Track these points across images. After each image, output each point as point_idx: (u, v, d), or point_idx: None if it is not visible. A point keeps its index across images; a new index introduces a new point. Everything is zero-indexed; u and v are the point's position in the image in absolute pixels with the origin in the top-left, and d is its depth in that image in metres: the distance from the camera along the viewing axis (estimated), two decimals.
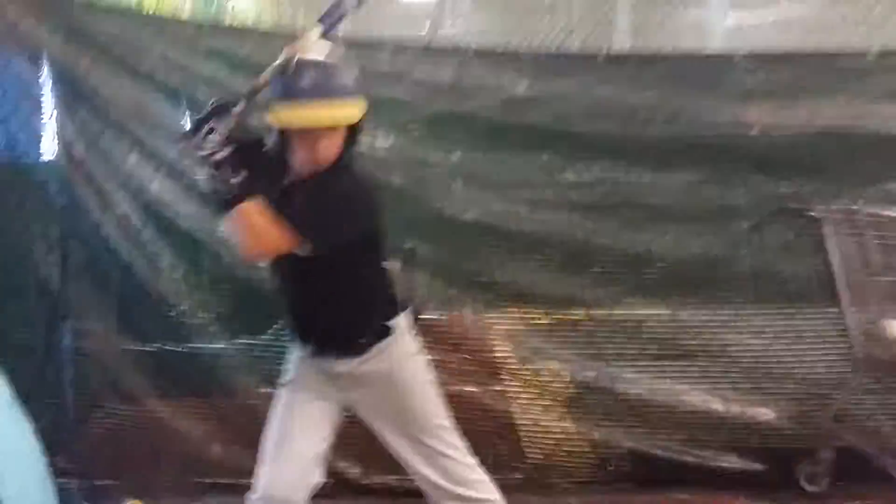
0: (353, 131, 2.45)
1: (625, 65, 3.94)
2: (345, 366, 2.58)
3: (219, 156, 2.26)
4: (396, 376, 2.58)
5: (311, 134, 2.37)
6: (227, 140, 2.27)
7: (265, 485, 2.60)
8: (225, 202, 2.29)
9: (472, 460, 2.65)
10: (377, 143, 3.82)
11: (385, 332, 2.57)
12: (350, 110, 2.40)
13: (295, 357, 2.70)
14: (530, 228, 3.76)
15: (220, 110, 2.31)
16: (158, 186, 3.78)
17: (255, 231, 2.29)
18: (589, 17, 6.84)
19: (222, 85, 3.72)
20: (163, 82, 3.78)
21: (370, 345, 2.56)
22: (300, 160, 2.43)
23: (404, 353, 2.61)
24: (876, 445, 3.52)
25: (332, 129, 2.38)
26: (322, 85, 2.36)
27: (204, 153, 2.26)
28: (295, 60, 2.37)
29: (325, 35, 2.52)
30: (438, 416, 2.64)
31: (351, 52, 3.72)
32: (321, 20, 2.52)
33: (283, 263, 2.51)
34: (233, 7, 5.63)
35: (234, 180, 2.26)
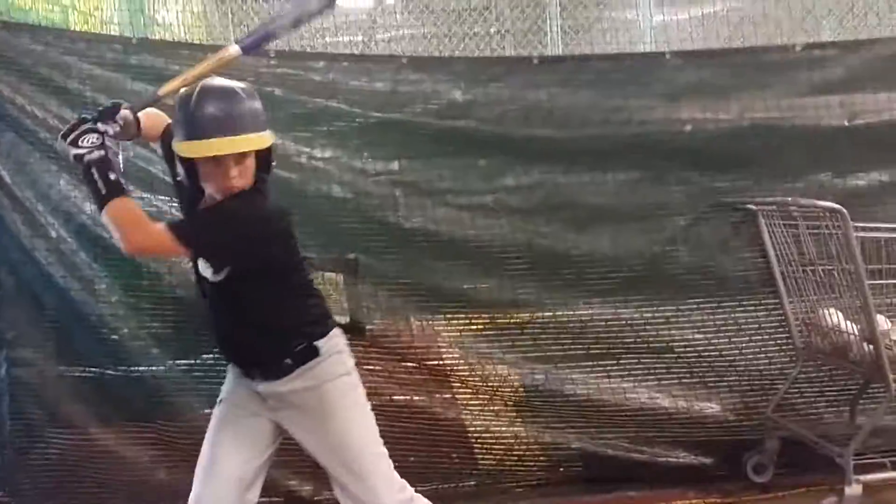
0: (263, 157, 2.45)
1: (558, 67, 3.98)
2: (269, 386, 2.57)
3: (93, 156, 2.33)
4: (321, 397, 2.58)
5: (221, 163, 2.37)
6: (103, 144, 2.34)
7: None
8: (98, 200, 2.36)
9: (397, 486, 2.63)
10: (315, 153, 3.80)
11: (312, 352, 2.56)
12: (260, 140, 2.40)
13: (229, 375, 2.69)
14: (472, 234, 3.77)
15: (106, 114, 2.39)
16: (91, 208, 3.68)
17: (127, 226, 2.36)
18: (520, 22, 6.91)
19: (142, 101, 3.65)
20: (92, 101, 3.69)
21: (295, 366, 2.55)
22: (211, 187, 2.44)
23: (330, 373, 2.59)
24: (818, 433, 3.59)
25: (241, 156, 2.38)
26: (227, 118, 2.35)
27: (78, 152, 2.34)
28: (198, 90, 2.37)
29: (244, 54, 2.52)
30: (368, 441, 2.62)
31: (285, 63, 3.77)
32: (244, 41, 2.52)
33: (204, 285, 2.54)
34: (161, 19, 5.53)
35: (108, 179, 2.34)
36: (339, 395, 2.61)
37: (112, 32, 4.66)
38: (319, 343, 2.59)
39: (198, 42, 4.65)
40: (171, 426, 3.72)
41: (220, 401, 2.69)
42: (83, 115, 2.42)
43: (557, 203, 3.77)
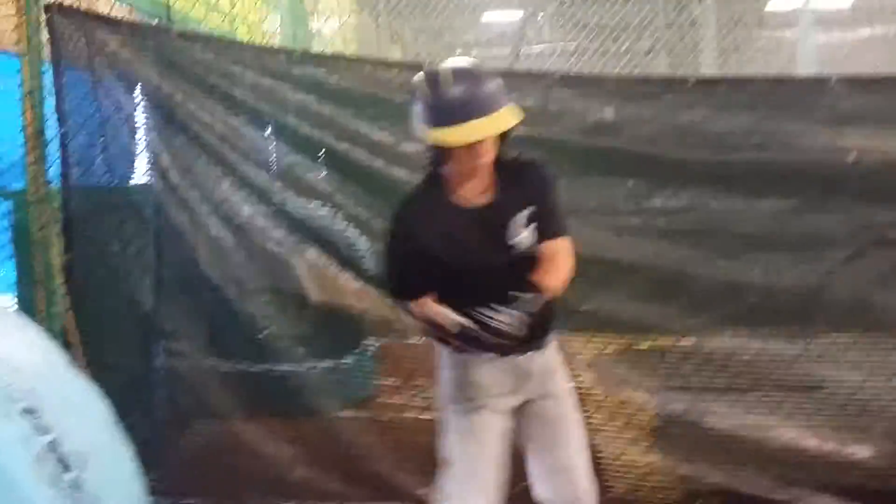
0: (504, 134, 2.53)
1: (714, 89, 3.86)
2: (535, 359, 2.65)
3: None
4: (562, 367, 2.76)
5: (473, 145, 2.43)
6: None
7: None
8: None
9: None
10: None
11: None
12: (511, 116, 2.47)
13: (471, 380, 2.64)
14: (617, 255, 3.71)
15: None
16: (249, 211, 3.86)
17: (560, 274, 2.59)
18: (674, 40, 6.78)
19: (311, 112, 3.81)
20: (254, 110, 3.88)
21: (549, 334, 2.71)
22: (462, 168, 2.51)
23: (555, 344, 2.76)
24: None
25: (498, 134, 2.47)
26: (483, 100, 2.42)
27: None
28: (440, 75, 2.43)
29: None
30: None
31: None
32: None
33: (494, 267, 2.53)
34: (318, 31, 5.76)
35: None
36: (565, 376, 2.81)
37: (274, 43, 4.89)
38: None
39: (354, 56, 4.81)
40: (310, 425, 3.84)
41: (475, 408, 2.64)
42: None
43: (708, 228, 3.66)
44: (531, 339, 2.55)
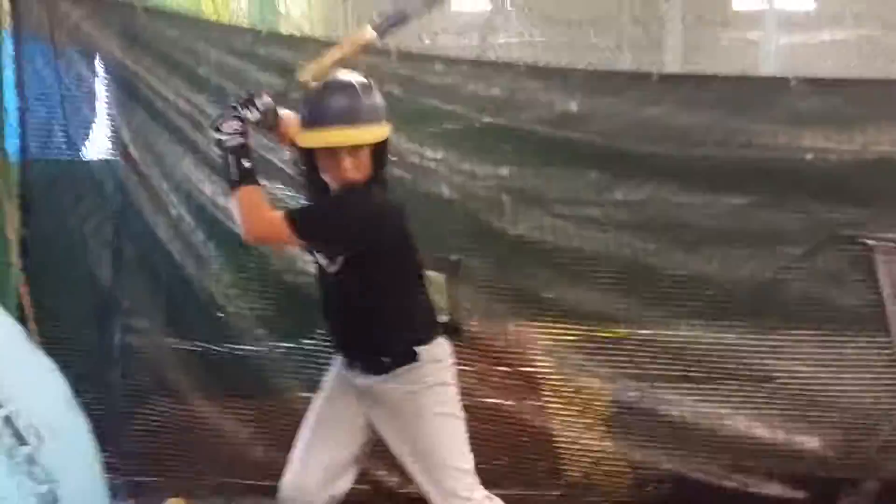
0: (378, 152, 2.51)
1: (678, 86, 3.92)
2: (367, 381, 2.63)
3: (232, 142, 2.44)
4: (414, 402, 2.62)
5: (336, 154, 2.45)
6: (243, 131, 2.46)
7: (288, 487, 2.70)
8: (229, 184, 2.47)
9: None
10: (426, 154, 3.85)
11: (411, 356, 2.60)
12: (371, 133, 2.47)
13: (333, 366, 2.77)
14: (577, 245, 3.76)
15: (248, 101, 2.50)
16: (210, 190, 3.84)
17: (250, 213, 2.46)
18: (640, 36, 6.85)
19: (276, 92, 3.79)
20: (218, 88, 3.84)
21: (394, 366, 2.60)
22: (329, 178, 2.53)
23: (426, 381, 2.64)
24: None
25: (355, 149, 2.45)
26: (347, 109, 2.44)
27: (221, 137, 2.46)
28: (323, 85, 2.49)
29: (379, 38, 2.59)
30: (452, 454, 2.64)
31: (405, 63, 3.84)
32: (379, 25, 2.59)
33: (322, 274, 2.64)
34: (286, 13, 5.72)
35: (242, 166, 2.44)
36: (432, 403, 2.65)
37: (242, 24, 4.85)
38: (421, 349, 2.63)
39: (321, 37, 4.77)
40: (269, 405, 3.84)
41: (321, 390, 2.77)
42: (231, 104, 2.53)
43: (667, 221, 3.72)
44: (356, 360, 2.66)
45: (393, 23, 2.65)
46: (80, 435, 2.28)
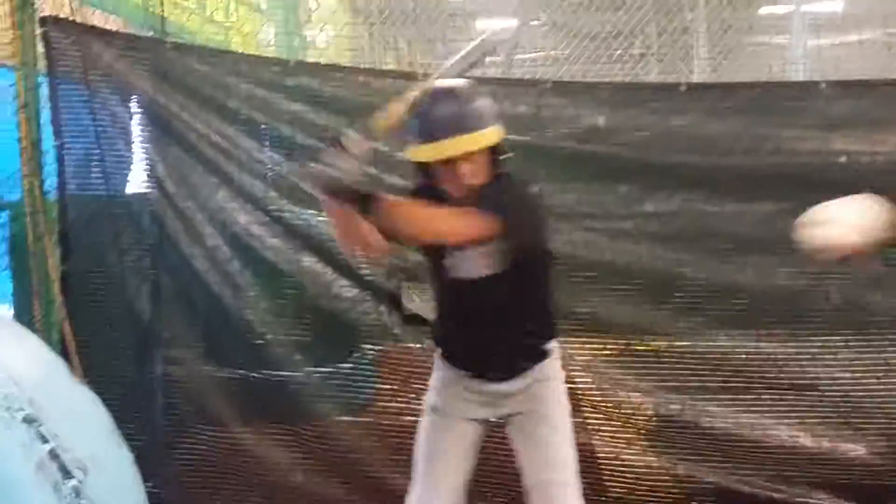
0: (495, 153, 2.51)
1: (705, 94, 3.90)
2: (501, 387, 2.63)
3: (350, 172, 2.32)
4: (548, 388, 2.66)
5: (452, 164, 2.45)
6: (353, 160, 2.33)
7: None
8: (377, 209, 2.34)
9: None
10: None
11: (545, 353, 2.64)
12: (482, 138, 2.45)
13: (437, 383, 2.72)
14: (610, 258, 3.74)
15: (338, 145, 2.35)
16: (245, 220, 3.89)
17: (431, 219, 2.42)
18: (666, 46, 6.83)
19: (305, 121, 3.85)
20: (249, 119, 3.91)
21: (537, 363, 2.63)
22: (450, 190, 2.51)
23: (556, 371, 2.68)
24: None
25: (470, 155, 2.44)
26: (455, 118, 2.42)
27: (334, 174, 2.33)
28: (427, 93, 2.45)
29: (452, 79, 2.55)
30: (572, 444, 2.66)
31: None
32: (445, 72, 2.55)
33: (456, 287, 2.59)
34: (313, 42, 5.80)
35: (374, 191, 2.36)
36: (560, 392, 2.69)
37: (269, 54, 4.92)
38: (549, 346, 2.67)
39: (349, 65, 4.84)
40: (309, 431, 3.87)
41: (433, 409, 2.71)
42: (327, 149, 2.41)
43: (700, 231, 3.69)
44: (496, 369, 2.61)
45: (457, 71, 2.62)
46: (124, 467, 2.31)
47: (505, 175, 2.54)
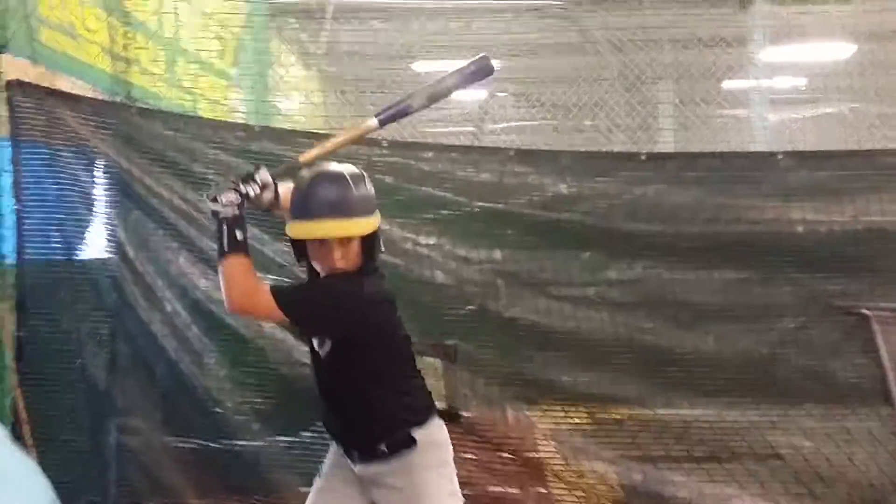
0: (368, 242, 2.52)
1: (667, 164, 3.97)
2: (365, 468, 2.59)
3: (227, 213, 2.43)
4: (413, 484, 2.56)
5: (326, 245, 2.47)
6: (240, 203, 2.44)
7: None
8: (219, 253, 2.45)
9: None
10: (420, 240, 3.88)
11: (408, 441, 2.57)
12: (361, 225, 2.47)
13: (330, 450, 2.73)
14: (573, 326, 3.75)
15: (248, 176, 2.49)
16: (206, 285, 3.85)
17: (236, 283, 2.44)
18: (630, 118, 6.95)
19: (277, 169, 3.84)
20: (214, 183, 3.89)
21: (391, 452, 2.56)
22: (319, 267, 2.54)
23: (424, 464, 2.58)
24: None
25: (345, 240, 2.46)
26: (337, 201, 2.44)
27: (216, 208, 2.44)
28: (311, 173, 2.49)
29: (381, 126, 2.66)
30: None
31: (396, 152, 3.91)
32: (382, 115, 2.62)
33: (315, 359, 2.62)
34: (285, 109, 5.84)
35: (234, 237, 2.43)
36: (432, 487, 2.59)
37: (237, 120, 4.94)
38: (417, 433, 2.60)
39: (316, 130, 4.86)
40: (266, 502, 3.77)
41: (320, 475, 2.72)
42: (231, 178, 2.53)
43: (661, 299, 3.73)
44: (352, 446, 2.62)
45: (395, 114, 2.68)
46: None
47: (368, 270, 2.54)
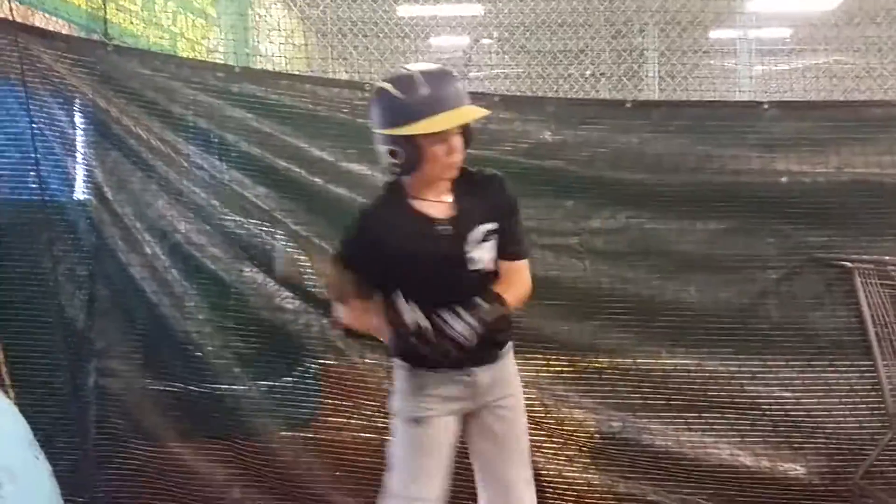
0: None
1: (651, 112, 3.92)
2: (488, 372, 2.67)
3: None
4: (515, 373, 2.80)
5: (447, 138, 2.49)
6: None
7: None
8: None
9: None
10: None
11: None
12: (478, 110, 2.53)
13: (418, 394, 2.66)
14: (555, 274, 3.73)
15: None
16: (185, 228, 3.81)
17: (518, 293, 2.66)
18: (616, 66, 6.89)
19: (250, 128, 3.78)
20: (193, 126, 3.83)
21: (503, 351, 2.73)
22: (434, 171, 2.53)
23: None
24: None
25: (465, 128, 2.54)
26: (461, 91, 2.51)
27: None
28: (413, 75, 2.47)
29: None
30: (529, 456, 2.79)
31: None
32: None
33: (457, 280, 2.56)
34: (265, 50, 5.73)
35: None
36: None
37: (217, 60, 4.85)
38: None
39: (297, 72, 4.78)
40: (248, 446, 3.77)
41: (424, 418, 2.66)
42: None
43: (644, 248, 3.71)
44: (482, 352, 2.58)
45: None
46: (42, 479, 2.22)
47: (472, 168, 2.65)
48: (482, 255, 2.58)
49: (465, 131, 2.55)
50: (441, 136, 2.46)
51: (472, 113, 2.49)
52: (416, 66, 2.52)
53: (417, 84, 2.44)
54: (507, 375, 2.75)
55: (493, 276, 2.61)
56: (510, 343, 2.77)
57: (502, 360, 2.72)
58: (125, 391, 3.81)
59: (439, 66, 2.54)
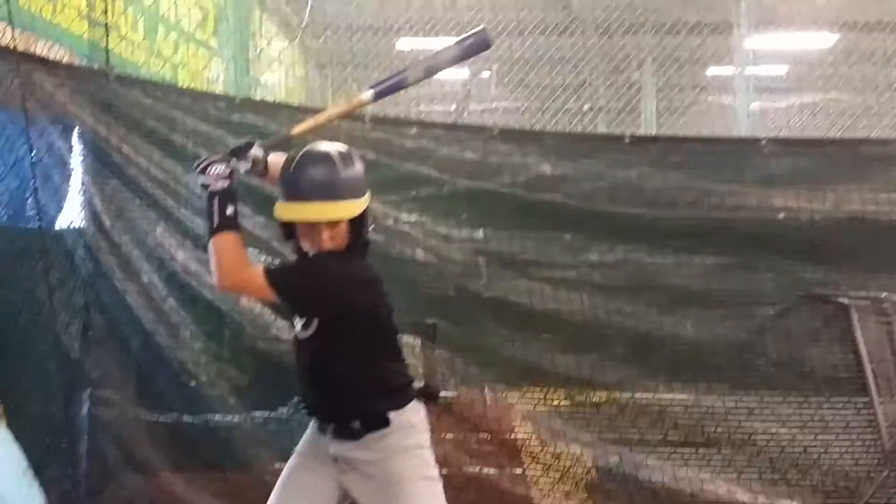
0: (356, 222, 2.46)
1: (650, 147, 3.95)
2: (339, 447, 2.55)
3: (217, 187, 2.34)
4: (387, 470, 2.52)
5: (314, 226, 2.40)
6: (230, 177, 2.35)
7: None
8: (209, 229, 2.36)
9: None
10: (402, 217, 3.85)
11: (382, 422, 2.53)
12: (350, 208, 2.40)
13: (308, 430, 2.69)
14: (553, 307, 3.74)
15: (239, 150, 2.40)
16: (183, 256, 3.80)
17: (227, 260, 2.36)
18: (614, 101, 6.95)
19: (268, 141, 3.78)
20: (192, 155, 3.83)
21: (365, 432, 2.52)
22: (307, 247, 2.47)
23: (400, 446, 2.53)
24: None
25: (333, 222, 2.41)
26: (325, 184, 2.37)
27: (204, 181, 2.35)
28: (300, 154, 2.40)
29: (377, 99, 2.57)
30: None
31: (379, 128, 3.86)
32: (377, 87, 2.56)
33: (296, 339, 2.55)
34: (265, 81, 5.78)
35: (224, 212, 2.34)
36: (407, 469, 2.55)
37: (217, 91, 4.88)
38: (392, 414, 2.57)
39: (297, 105, 4.81)
40: (241, 477, 3.73)
41: (295, 453, 2.69)
42: (222, 151, 2.45)
43: (641, 283, 3.73)
44: (321, 416, 2.56)
45: (392, 86, 2.61)
46: None
47: (356, 248, 2.48)
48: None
49: (354, 220, 2.43)
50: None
51: (305, 211, 2.38)
52: (316, 146, 2.44)
53: (291, 164, 2.41)
54: (368, 467, 2.52)
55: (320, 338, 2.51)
56: (386, 430, 2.49)
57: (364, 445, 2.50)
58: (118, 421, 3.77)
59: (332, 152, 2.40)
